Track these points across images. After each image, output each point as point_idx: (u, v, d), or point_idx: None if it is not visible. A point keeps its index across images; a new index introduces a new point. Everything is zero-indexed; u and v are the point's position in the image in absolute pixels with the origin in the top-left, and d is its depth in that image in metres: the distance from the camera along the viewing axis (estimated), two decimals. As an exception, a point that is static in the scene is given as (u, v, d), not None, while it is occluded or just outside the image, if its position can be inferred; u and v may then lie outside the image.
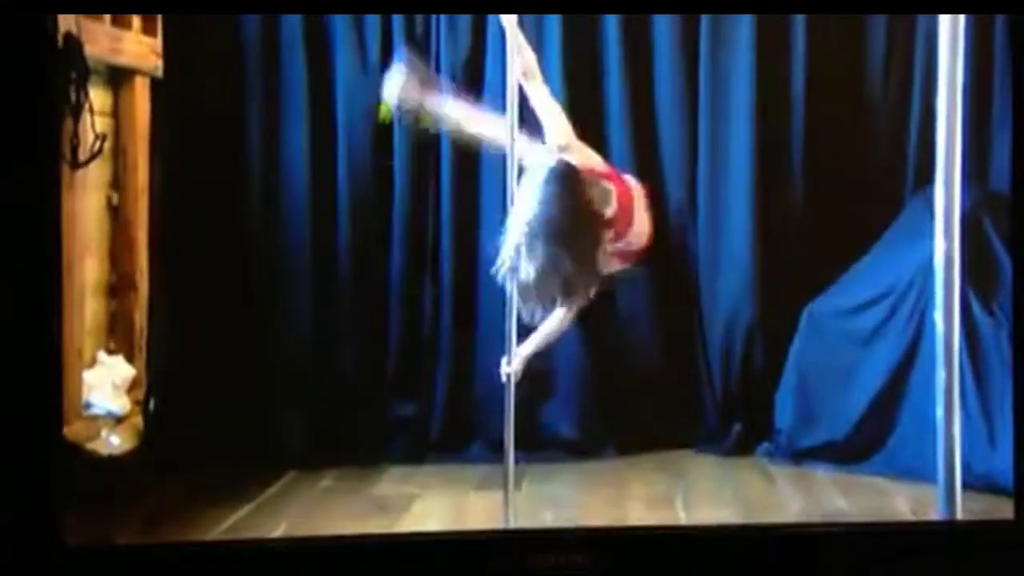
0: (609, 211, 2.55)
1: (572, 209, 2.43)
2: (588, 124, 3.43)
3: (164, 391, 3.27)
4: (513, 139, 2.62)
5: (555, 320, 2.66)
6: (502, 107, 2.69)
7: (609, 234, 2.57)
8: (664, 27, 3.43)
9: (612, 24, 3.41)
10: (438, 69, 3.40)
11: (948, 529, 2.30)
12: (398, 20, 3.40)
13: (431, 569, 2.24)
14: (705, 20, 3.40)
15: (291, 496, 3.07)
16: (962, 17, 2.28)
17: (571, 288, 2.47)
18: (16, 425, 2.22)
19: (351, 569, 2.25)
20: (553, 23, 3.38)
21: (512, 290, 2.50)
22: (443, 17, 3.40)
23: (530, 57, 2.71)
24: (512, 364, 2.65)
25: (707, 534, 2.56)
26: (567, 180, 2.45)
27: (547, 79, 3.37)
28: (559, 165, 2.48)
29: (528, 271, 2.43)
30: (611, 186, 2.59)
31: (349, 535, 2.72)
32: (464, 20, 3.38)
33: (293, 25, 3.36)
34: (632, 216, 2.61)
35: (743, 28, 3.38)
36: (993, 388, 2.96)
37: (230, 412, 3.27)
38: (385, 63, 3.38)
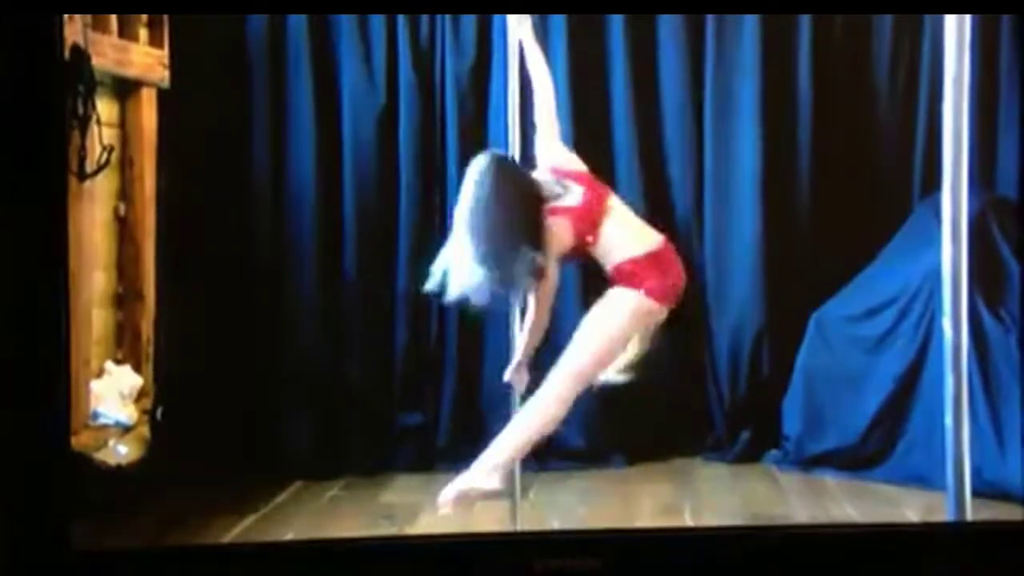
0: (567, 201, 2.34)
1: (497, 196, 2.25)
2: (593, 129, 3.46)
3: (171, 401, 3.27)
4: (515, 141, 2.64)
5: (529, 312, 2.45)
6: (507, 112, 2.70)
7: (563, 224, 2.33)
8: (669, 32, 3.43)
9: (617, 27, 3.42)
10: (443, 77, 3.42)
11: (956, 531, 2.28)
12: (403, 29, 3.41)
13: (438, 572, 2.23)
14: (710, 26, 3.40)
15: (298, 505, 3.07)
16: (968, 17, 2.28)
17: (508, 274, 2.27)
18: (24, 435, 2.23)
19: (358, 572, 2.25)
20: (559, 25, 3.38)
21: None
22: (448, 25, 3.41)
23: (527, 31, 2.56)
24: (516, 371, 2.64)
25: (715, 537, 2.55)
26: (493, 170, 2.27)
27: (553, 82, 3.41)
28: (485, 157, 2.32)
29: (465, 270, 2.28)
30: (578, 185, 2.38)
31: (356, 537, 2.72)
32: (469, 27, 3.39)
33: (299, 36, 3.38)
34: (597, 227, 2.35)
35: (748, 33, 3.38)
36: (1002, 394, 2.95)
37: (237, 422, 3.27)
38: (390, 73, 3.42)
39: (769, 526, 2.82)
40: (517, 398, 2.70)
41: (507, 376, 2.65)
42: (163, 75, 3.39)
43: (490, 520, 2.94)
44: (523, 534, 2.70)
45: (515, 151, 2.76)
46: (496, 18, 3.23)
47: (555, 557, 2.20)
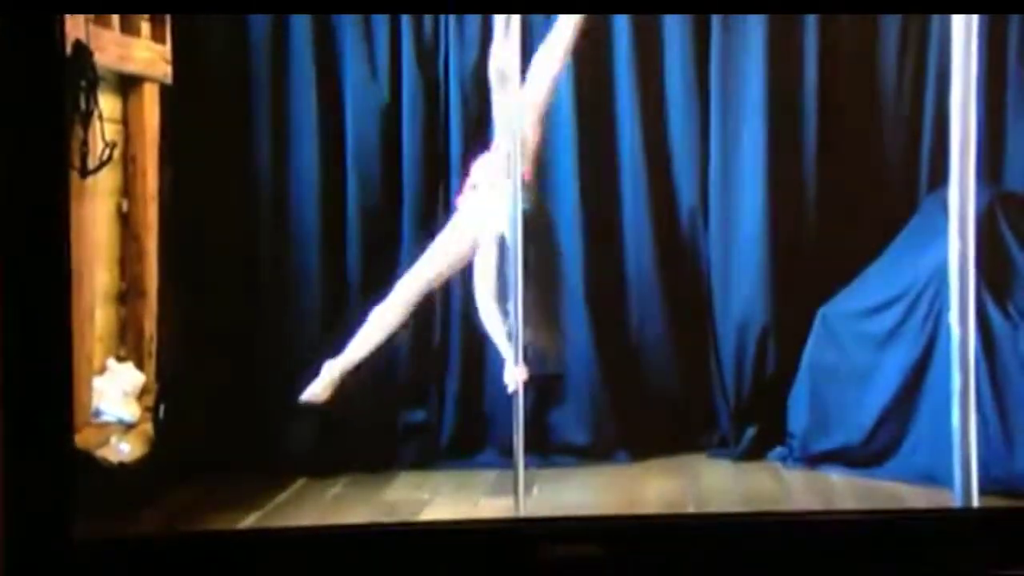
0: None
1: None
2: (599, 129, 3.45)
3: (174, 398, 3.27)
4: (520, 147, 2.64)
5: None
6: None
7: None
8: (675, 29, 3.41)
9: (623, 26, 3.40)
10: (447, 75, 3.40)
11: (964, 516, 2.28)
12: (407, 28, 3.40)
13: (445, 559, 2.23)
14: (716, 22, 3.38)
15: (302, 502, 3.06)
16: (975, 17, 2.26)
17: None
18: (27, 432, 2.23)
19: (365, 560, 2.25)
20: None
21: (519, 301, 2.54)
22: (452, 24, 3.40)
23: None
24: (518, 368, 2.66)
25: (718, 524, 2.54)
26: None
27: (557, 83, 3.40)
28: None
29: None
30: None
31: (363, 524, 2.72)
32: (473, 26, 3.37)
33: (302, 32, 3.36)
34: None
35: (755, 29, 3.36)
36: (1010, 390, 2.93)
37: (240, 419, 3.26)
38: (394, 70, 3.41)
39: (771, 512, 2.81)
40: (520, 393, 2.70)
41: (506, 378, 2.70)
42: (166, 71, 3.37)
43: (495, 515, 2.94)
44: (528, 521, 2.71)
45: (517, 150, 2.76)
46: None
47: (559, 544, 2.20)
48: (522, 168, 2.90)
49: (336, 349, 3.13)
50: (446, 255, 3.11)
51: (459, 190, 3.20)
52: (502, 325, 2.94)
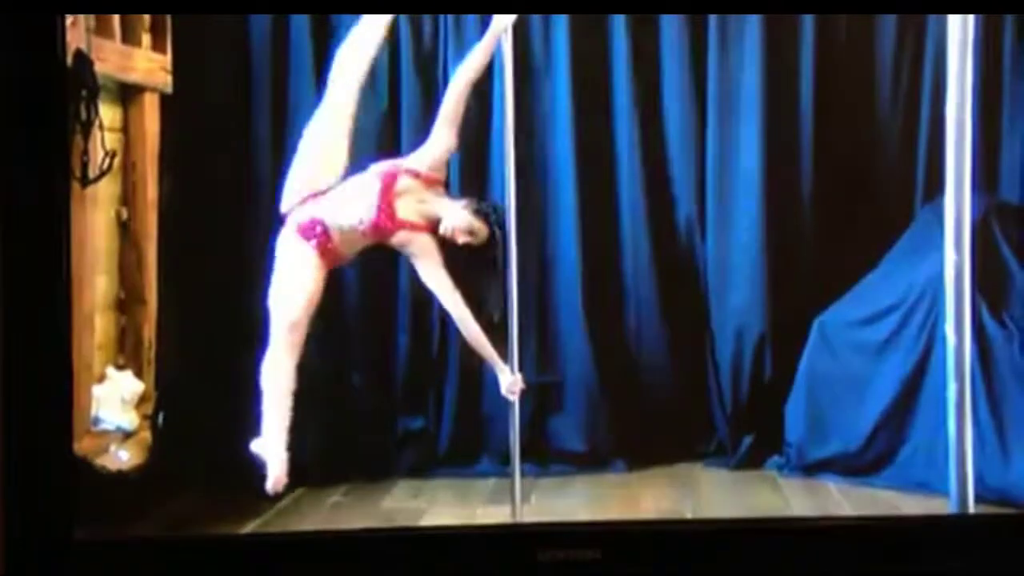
0: None
1: None
2: (596, 133, 3.46)
3: (173, 406, 3.27)
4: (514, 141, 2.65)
5: None
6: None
7: None
8: (672, 35, 3.42)
9: (620, 26, 3.40)
10: (445, 76, 3.42)
11: (959, 524, 2.29)
12: (405, 32, 3.41)
13: (443, 564, 2.24)
14: (713, 27, 3.39)
15: (300, 511, 3.07)
16: (971, 18, 2.28)
17: None
18: (26, 440, 2.23)
19: (363, 565, 2.25)
20: (561, 24, 3.38)
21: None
22: (450, 26, 3.42)
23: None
24: (515, 377, 2.67)
25: (715, 529, 2.54)
26: None
27: (554, 83, 3.42)
28: None
29: None
30: None
31: (361, 529, 2.72)
32: (471, 28, 3.38)
33: (302, 39, 3.38)
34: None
35: (751, 35, 3.38)
36: (1006, 400, 2.94)
37: (238, 427, 3.26)
38: (392, 76, 3.42)
39: (768, 518, 2.82)
40: (517, 402, 2.71)
41: (503, 391, 2.69)
42: (166, 80, 3.39)
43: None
44: (526, 526, 2.72)
45: (511, 153, 2.78)
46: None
47: (557, 548, 2.21)
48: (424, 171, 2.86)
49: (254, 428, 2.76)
50: (303, 280, 2.76)
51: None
52: (483, 334, 2.77)
